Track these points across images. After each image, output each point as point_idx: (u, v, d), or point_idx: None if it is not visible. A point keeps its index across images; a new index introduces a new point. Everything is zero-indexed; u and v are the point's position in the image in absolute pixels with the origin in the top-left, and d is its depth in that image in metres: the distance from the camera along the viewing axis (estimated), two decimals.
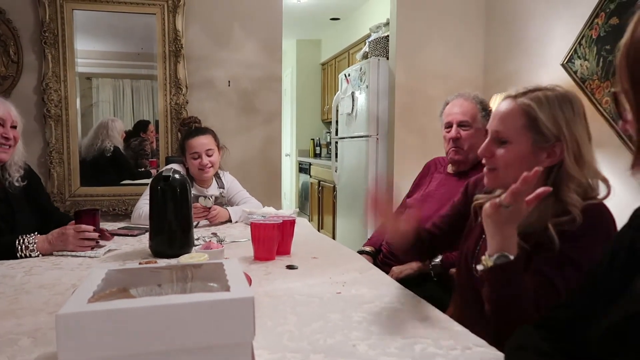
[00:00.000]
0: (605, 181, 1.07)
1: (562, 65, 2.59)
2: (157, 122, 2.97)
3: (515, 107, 1.09)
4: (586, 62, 2.45)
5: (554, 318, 0.76)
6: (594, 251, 0.97)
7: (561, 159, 1.06)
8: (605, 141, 2.35)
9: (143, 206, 2.08)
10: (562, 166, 1.07)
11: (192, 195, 1.61)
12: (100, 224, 1.75)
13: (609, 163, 2.33)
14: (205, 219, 2.09)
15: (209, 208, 2.09)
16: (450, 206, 1.43)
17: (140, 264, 1.32)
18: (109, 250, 1.62)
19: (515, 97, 1.11)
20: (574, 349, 0.69)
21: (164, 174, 1.55)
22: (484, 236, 1.14)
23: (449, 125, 1.85)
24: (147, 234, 1.60)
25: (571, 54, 2.54)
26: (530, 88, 1.11)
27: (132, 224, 2.11)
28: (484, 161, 1.17)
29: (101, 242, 1.66)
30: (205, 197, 2.12)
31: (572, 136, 1.05)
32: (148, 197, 1.57)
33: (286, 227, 1.56)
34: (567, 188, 1.04)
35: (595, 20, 2.39)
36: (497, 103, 1.17)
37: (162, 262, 1.39)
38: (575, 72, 2.52)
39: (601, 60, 2.36)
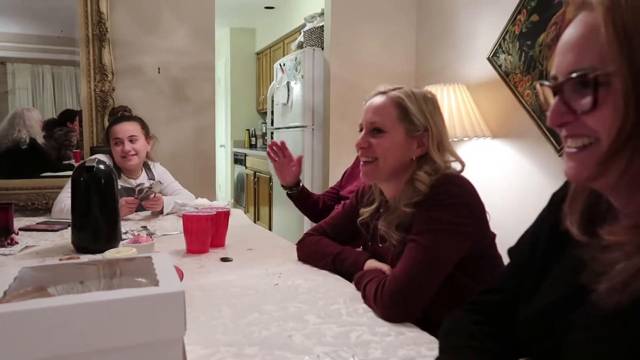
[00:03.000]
0: (461, 161, 1.20)
1: (488, 59, 2.71)
2: (80, 111, 2.79)
3: (388, 100, 1.18)
4: (509, 56, 2.58)
5: (482, 302, 0.77)
6: (458, 211, 1.06)
7: (428, 148, 1.16)
8: (527, 132, 2.48)
9: (65, 199, 1.95)
10: (424, 155, 1.17)
11: (119, 187, 1.53)
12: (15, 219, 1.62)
13: (530, 153, 2.48)
14: (148, 206, 2.04)
15: (155, 194, 2.05)
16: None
17: (60, 260, 1.24)
18: (26, 247, 1.51)
19: (386, 92, 1.20)
20: (503, 333, 0.71)
21: (87, 164, 1.46)
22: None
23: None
24: (70, 229, 1.50)
25: (496, 49, 2.66)
26: (396, 86, 1.21)
27: (53, 218, 1.98)
28: (360, 154, 1.21)
29: (15, 239, 1.54)
30: (160, 183, 2.11)
31: (436, 127, 1.17)
32: (70, 190, 1.48)
33: (220, 219, 1.52)
34: (421, 170, 1.14)
35: (518, 17, 2.51)
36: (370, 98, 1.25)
37: (86, 258, 1.32)
38: (500, 66, 2.64)
39: (523, 55, 2.49)
